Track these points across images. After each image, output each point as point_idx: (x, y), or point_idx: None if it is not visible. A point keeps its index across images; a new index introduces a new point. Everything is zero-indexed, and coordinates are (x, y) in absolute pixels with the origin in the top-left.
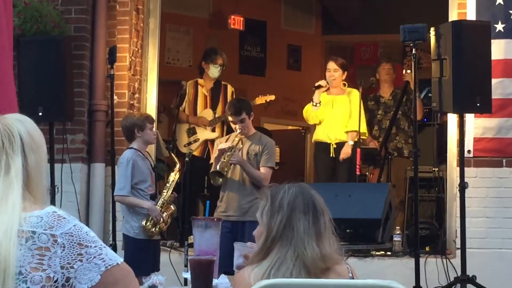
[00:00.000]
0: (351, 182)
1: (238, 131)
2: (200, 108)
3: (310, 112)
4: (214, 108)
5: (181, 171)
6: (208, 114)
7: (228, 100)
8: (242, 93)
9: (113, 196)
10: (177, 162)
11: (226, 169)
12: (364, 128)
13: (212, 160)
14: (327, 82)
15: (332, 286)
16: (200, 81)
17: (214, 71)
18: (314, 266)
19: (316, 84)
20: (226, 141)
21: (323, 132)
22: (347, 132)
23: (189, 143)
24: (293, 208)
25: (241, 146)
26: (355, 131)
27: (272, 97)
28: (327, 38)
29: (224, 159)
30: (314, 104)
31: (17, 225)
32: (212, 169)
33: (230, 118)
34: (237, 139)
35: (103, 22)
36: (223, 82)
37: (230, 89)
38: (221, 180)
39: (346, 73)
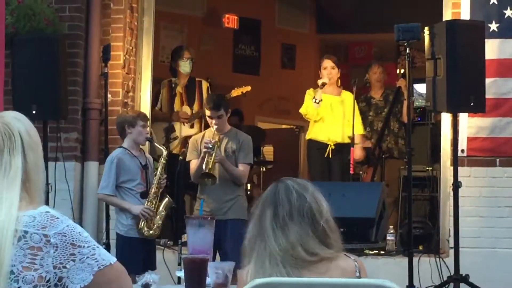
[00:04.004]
0: (345, 181)
1: (214, 127)
2: (177, 106)
3: (310, 109)
4: (190, 105)
5: (166, 161)
6: (186, 110)
7: (204, 96)
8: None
9: None
10: (163, 150)
11: (212, 169)
12: (361, 130)
13: (188, 158)
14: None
15: (325, 284)
16: (173, 80)
17: (184, 65)
18: (285, 257)
19: (321, 82)
20: (202, 138)
21: (322, 132)
22: (352, 136)
23: (169, 141)
24: (263, 205)
25: (219, 143)
26: (361, 134)
27: (248, 88)
28: (322, 37)
29: (210, 158)
30: (317, 101)
31: (14, 225)
32: (195, 169)
33: (207, 113)
34: (217, 137)
35: (97, 21)
36: (197, 79)
37: (205, 84)
38: (211, 181)
39: (339, 70)
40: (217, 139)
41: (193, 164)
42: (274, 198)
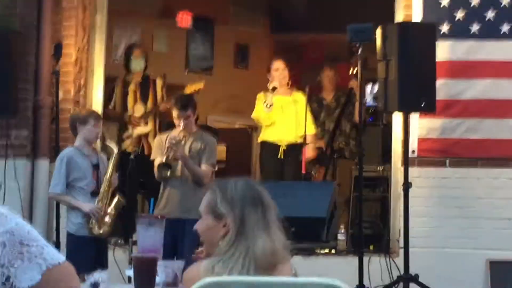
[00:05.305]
0: (296, 180)
1: (181, 127)
2: (130, 104)
3: (262, 114)
4: (144, 102)
5: (117, 159)
6: (138, 109)
7: (158, 93)
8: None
9: None
10: (114, 149)
11: (171, 163)
12: (312, 129)
13: (153, 156)
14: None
15: (275, 284)
16: (127, 77)
17: (135, 64)
18: (263, 260)
19: (271, 86)
20: (167, 137)
21: (274, 134)
22: (304, 135)
23: (122, 140)
24: (244, 202)
25: (184, 142)
26: (312, 133)
27: (201, 85)
28: (275, 37)
29: (170, 153)
30: (268, 106)
31: None
32: (158, 162)
33: (175, 113)
34: (182, 134)
35: (49, 18)
36: (151, 77)
37: (159, 82)
38: (168, 173)
39: (290, 71)
40: (182, 137)
41: (157, 162)
42: (261, 199)
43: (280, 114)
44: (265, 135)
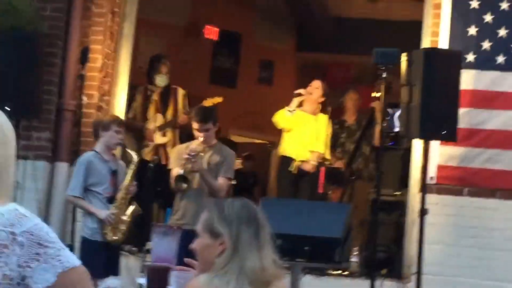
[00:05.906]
0: (312, 199)
1: (201, 139)
2: (150, 114)
3: (282, 116)
4: (163, 112)
5: (136, 167)
6: (158, 119)
7: (179, 103)
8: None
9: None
10: (134, 156)
11: (189, 175)
12: (328, 154)
13: (171, 166)
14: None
15: None
16: (150, 86)
17: (160, 80)
18: (255, 277)
19: (296, 92)
20: (187, 148)
21: (290, 147)
22: (312, 151)
23: (141, 148)
24: (239, 221)
25: (203, 155)
26: (319, 152)
27: (220, 99)
28: (301, 55)
29: (188, 165)
30: (290, 110)
31: None
32: (175, 174)
33: (195, 125)
34: (201, 147)
35: (78, 22)
36: (173, 86)
37: (180, 92)
38: (185, 185)
39: (324, 98)
40: (201, 150)
41: (174, 172)
42: (256, 219)
43: (301, 128)
44: (283, 149)
